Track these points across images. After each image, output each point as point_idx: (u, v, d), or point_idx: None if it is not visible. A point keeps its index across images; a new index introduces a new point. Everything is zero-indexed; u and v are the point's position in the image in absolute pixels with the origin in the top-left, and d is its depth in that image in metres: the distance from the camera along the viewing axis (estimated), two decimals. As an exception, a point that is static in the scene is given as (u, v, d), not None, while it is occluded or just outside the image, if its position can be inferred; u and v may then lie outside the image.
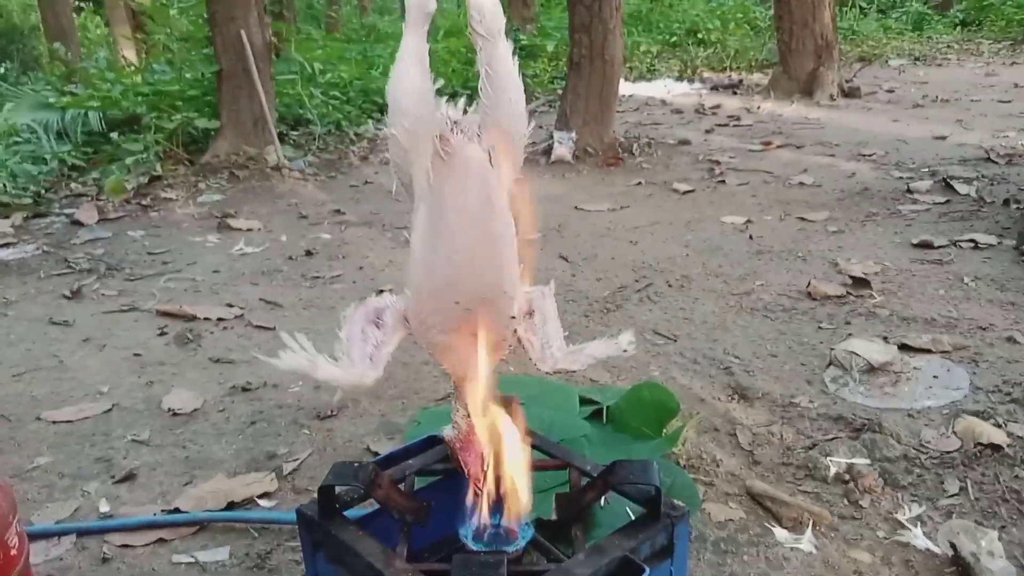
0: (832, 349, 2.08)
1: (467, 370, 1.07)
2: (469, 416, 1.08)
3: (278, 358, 1.08)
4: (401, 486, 1.13)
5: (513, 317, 1.09)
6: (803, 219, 3.39)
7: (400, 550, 1.00)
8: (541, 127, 5.68)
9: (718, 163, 4.51)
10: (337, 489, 1.08)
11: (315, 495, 1.06)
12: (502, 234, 1.04)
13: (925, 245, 2.92)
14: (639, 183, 4.17)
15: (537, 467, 1.16)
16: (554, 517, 1.09)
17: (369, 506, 1.20)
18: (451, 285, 1.03)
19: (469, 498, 1.07)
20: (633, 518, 1.17)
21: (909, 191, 3.70)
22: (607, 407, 1.80)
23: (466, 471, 1.07)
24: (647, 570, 0.94)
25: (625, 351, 1.15)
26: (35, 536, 1.50)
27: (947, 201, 3.52)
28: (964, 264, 2.73)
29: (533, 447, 1.18)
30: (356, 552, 0.99)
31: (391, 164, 1.08)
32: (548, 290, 1.19)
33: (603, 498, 1.31)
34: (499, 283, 1.05)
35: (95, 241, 3.52)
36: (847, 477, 1.58)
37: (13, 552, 1.14)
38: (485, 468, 1.05)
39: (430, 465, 1.19)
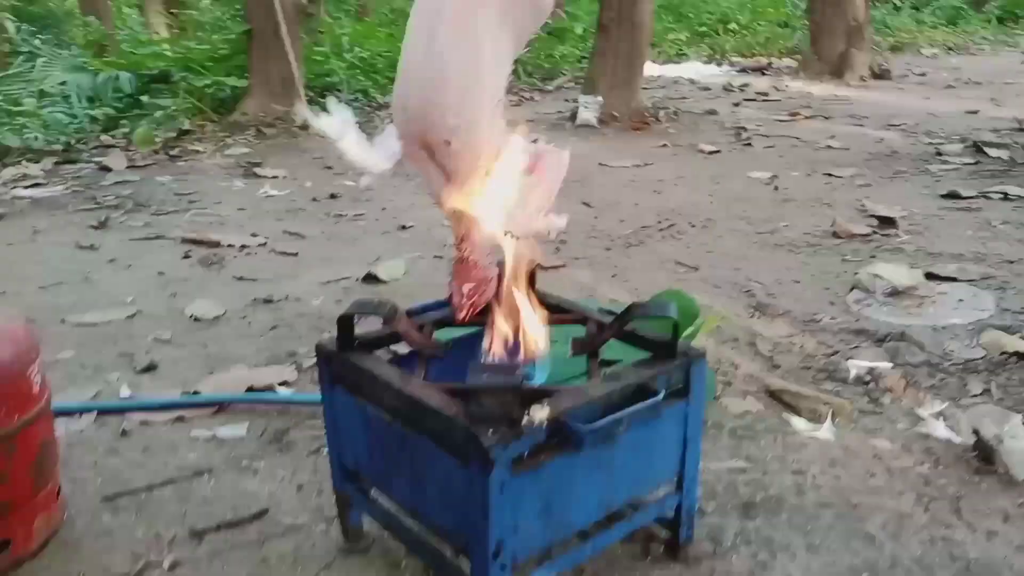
0: (856, 274, 2.06)
1: (437, 194, 1.08)
2: (459, 247, 1.08)
3: (319, 119, 1.09)
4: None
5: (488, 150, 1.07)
6: (830, 175, 3.35)
7: (418, 373, 1.00)
8: (567, 100, 5.68)
9: (745, 129, 4.47)
10: (357, 330, 1.08)
11: (320, 342, 1.08)
12: (457, 46, 1.00)
13: (953, 196, 2.88)
14: (664, 145, 4.15)
15: (554, 320, 1.15)
16: (570, 354, 1.09)
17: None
18: (399, 93, 1.03)
19: (486, 341, 1.07)
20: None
21: (939, 153, 3.66)
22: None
23: (458, 299, 1.08)
24: (661, 393, 0.93)
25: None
26: (57, 413, 1.52)
27: (977, 162, 3.47)
28: (993, 211, 2.69)
29: (548, 306, 1.17)
30: (375, 376, 0.99)
31: None
32: (561, 157, 1.18)
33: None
34: (441, 101, 1.01)
35: (123, 184, 3.55)
36: (868, 379, 1.56)
37: (36, 390, 1.15)
38: (489, 297, 1.06)
39: (447, 319, 1.19)
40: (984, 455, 1.29)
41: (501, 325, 1.05)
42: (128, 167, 3.87)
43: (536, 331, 1.05)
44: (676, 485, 1.07)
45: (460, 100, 1.01)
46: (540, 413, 0.87)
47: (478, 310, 1.10)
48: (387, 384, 0.97)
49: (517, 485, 0.87)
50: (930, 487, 1.25)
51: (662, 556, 1.11)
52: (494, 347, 1.04)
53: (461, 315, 1.07)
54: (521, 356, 1.05)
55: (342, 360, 1.05)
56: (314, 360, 1.72)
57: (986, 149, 3.61)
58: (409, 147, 1.07)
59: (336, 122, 1.06)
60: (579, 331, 1.20)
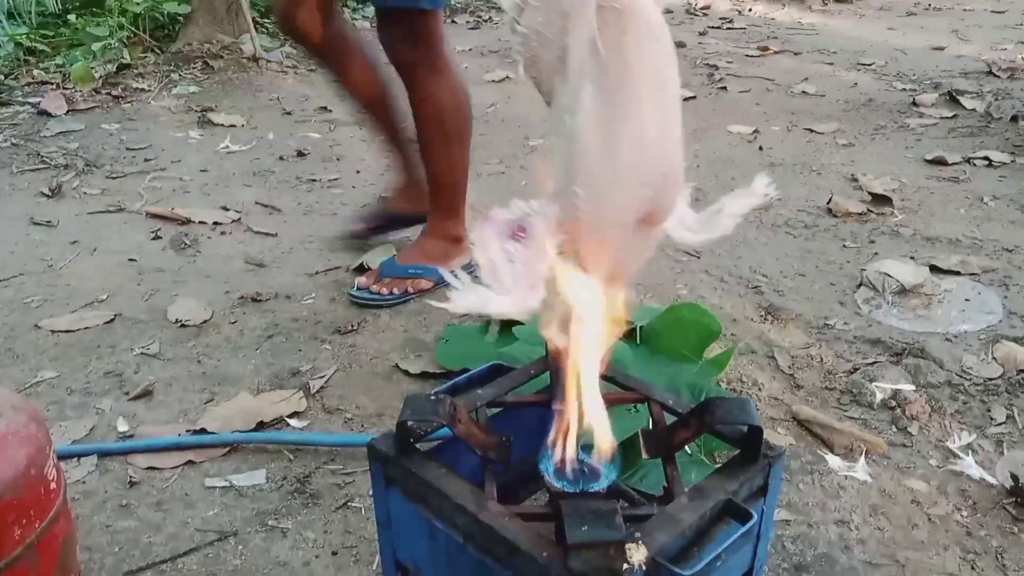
0: (863, 270, 2.04)
1: (618, 267, 0.94)
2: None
3: (450, 302, 0.90)
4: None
5: None
6: (811, 131, 3.31)
7: (489, 490, 0.94)
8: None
9: (716, 68, 4.37)
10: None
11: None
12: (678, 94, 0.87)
13: (939, 162, 2.87)
14: (638, 87, 4.02)
15: (612, 400, 1.10)
16: (645, 456, 1.04)
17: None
18: (637, 166, 0.85)
19: (552, 433, 1.01)
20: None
21: (915, 104, 3.63)
22: (640, 327, 1.75)
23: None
24: (755, 516, 0.89)
25: (767, 196, 1.02)
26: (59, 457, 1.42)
27: (954, 116, 3.46)
28: (980, 183, 2.69)
29: (605, 378, 1.11)
30: (442, 492, 0.92)
31: (522, 53, 0.90)
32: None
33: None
34: (681, 152, 0.88)
35: (67, 134, 3.30)
36: (893, 403, 1.56)
37: (53, 486, 1.05)
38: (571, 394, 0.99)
39: (499, 396, 1.12)
40: (1022, 502, 1.30)
41: (567, 417, 0.99)
42: (69, 111, 3.59)
43: (602, 421, 0.99)
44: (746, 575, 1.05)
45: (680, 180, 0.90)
46: (638, 556, 0.82)
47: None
48: (460, 507, 0.90)
49: (615, 630, 0.83)
50: (972, 539, 1.27)
51: (723, 635, 1.10)
52: (565, 450, 0.99)
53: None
54: (593, 455, 1.00)
55: (400, 467, 0.97)
56: (321, 383, 1.65)
57: (961, 100, 3.60)
58: (612, 225, 0.90)
59: (472, 298, 0.88)
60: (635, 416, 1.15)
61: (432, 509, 0.96)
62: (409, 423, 0.99)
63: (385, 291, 1.94)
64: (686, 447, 1.40)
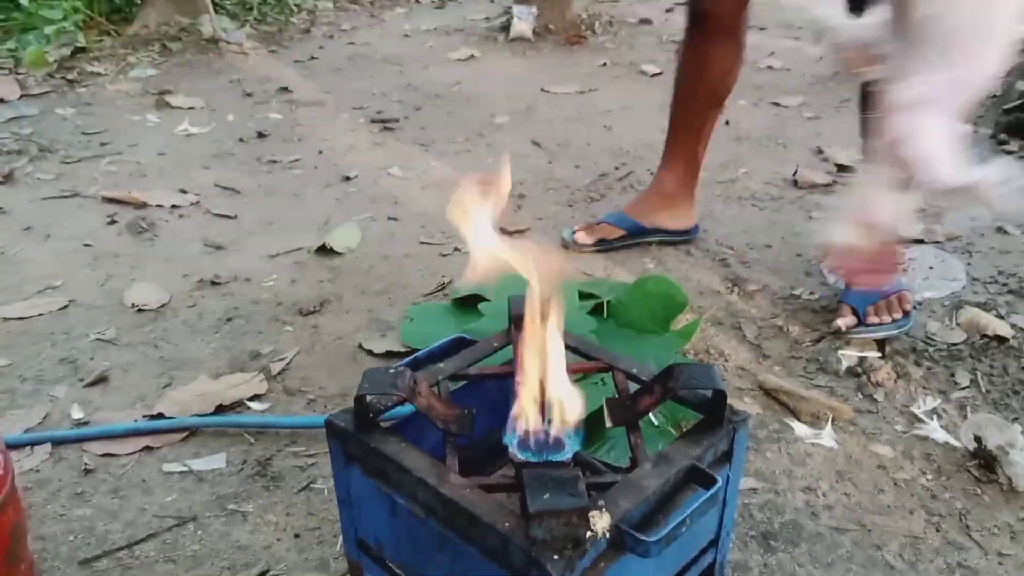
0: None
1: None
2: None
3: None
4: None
5: None
6: (777, 104, 3.31)
7: (451, 463, 0.92)
8: (492, 2, 5.40)
9: (683, 44, 4.34)
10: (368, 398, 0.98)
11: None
12: None
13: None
14: (604, 64, 4.00)
15: (576, 370, 1.08)
16: (609, 424, 1.02)
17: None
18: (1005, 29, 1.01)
19: (516, 404, 0.99)
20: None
21: (879, 77, 3.64)
22: (608, 301, 1.73)
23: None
24: (719, 481, 0.88)
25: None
26: (9, 446, 1.37)
27: (917, 88, 3.47)
28: (943, 152, 2.71)
29: (569, 348, 1.10)
30: (402, 467, 0.90)
31: None
32: None
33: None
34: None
35: (20, 119, 3.20)
36: (859, 371, 1.56)
37: (0, 472, 1.02)
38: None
39: (462, 369, 1.10)
40: (986, 464, 1.31)
41: (530, 388, 0.97)
42: (22, 96, 3.49)
43: (570, 393, 0.97)
44: (711, 543, 1.04)
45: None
46: (602, 523, 0.81)
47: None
48: (421, 480, 0.88)
49: (579, 598, 0.81)
50: (937, 502, 1.27)
51: (692, 604, 1.09)
52: (524, 417, 0.96)
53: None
54: (555, 425, 0.98)
55: (359, 442, 0.95)
56: (283, 366, 1.61)
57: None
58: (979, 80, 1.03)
59: None
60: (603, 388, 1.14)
61: (393, 485, 0.94)
62: (368, 397, 0.96)
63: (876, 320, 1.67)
64: (652, 418, 1.40)
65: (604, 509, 0.83)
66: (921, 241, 2.06)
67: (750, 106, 3.30)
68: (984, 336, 1.64)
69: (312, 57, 4.26)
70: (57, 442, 1.42)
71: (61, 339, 1.73)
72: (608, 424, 1.01)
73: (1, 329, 1.77)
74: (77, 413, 1.50)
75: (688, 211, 2.07)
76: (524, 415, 0.97)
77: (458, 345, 1.15)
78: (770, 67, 3.88)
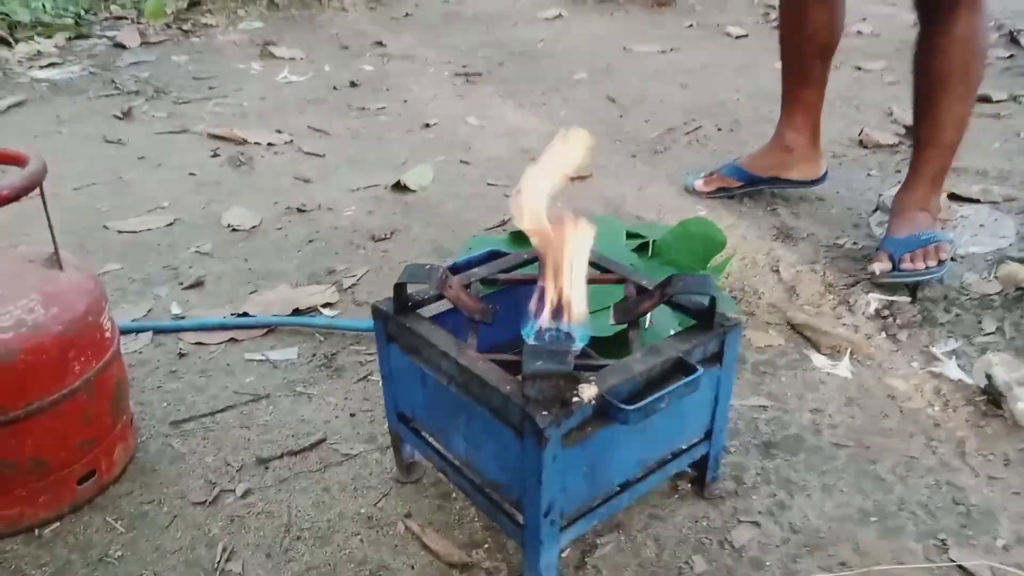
0: (881, 195, 2.09)
1: None
2: None
3: None
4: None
5: None
6: (859, 68, 3.29)
7: (471, 342, 1.07)
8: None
9: (773, 8, 4.32)
10: (409, 290, 1.14)
11: (376, 304, 1.13)
12: None
13: (983, 99, 2.84)
14: (690, 25, 4.03)
15: (593, 280, 1.21)
16: (611, 322, 1.15)
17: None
18: None
19: (533, 302, 1.13)
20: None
21: (972, 44, 3.55)
22: (653, 241, 1.84)
23: None
24: (700, 370, 1.00)
25: None
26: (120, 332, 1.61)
27: (1011, 56, 3.38)
28: (1021, 120, 2.67)
29: (592, 264, 1.23)
30: (430, 343, 1.06)
31: None
32: None
33: (648, 318, 1.38)
34: None
35: (140, 64, 3.51)
36: (887, 313, 1.63)
37: (108, 335, 1.23)
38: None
39: (493, 275, 1.25)
40: (993, 399, 1.38)
41: (550, 288, 1.11)
42: (142, 44, 3.81)
43: (580, 296, 1.11)
44: (705, 436, 1.17)
45: None
46: (588, 392, 0.95)
47: None
48: (443, 353, 1.04)
49: (566, 455, 0.96)
50: (939, 429, 1.35)
51: (689, 494, 1.22)
52: (542, 314, 1.11)
53: None
54: (567, 322, 1.12)
55: (397, 323, 1.11)
56: (353, 281, 1.80)
57: (1021, 40, 3.51)
58: None
59: None
60: (617, 291, 1.27)
61: (423, 359, 1.10)
62: (408, 286, 1.13)
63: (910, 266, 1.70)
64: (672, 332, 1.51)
65: (592, 382, 0.97)
66: (977, 200, 2.07)
67: (832, 69, 3.28)
68: (1019, 289, 1.68)
69: (407, 14, 4.45)
70: (158, 331, 1.65)
71: (166, 250, 1.98)
72: (611, 321, 1.15)
73: (116, 240, 2.03)
74: (176, 309, 1.73)
75: (812, 161, 2.12)
76: (540, 310, 1.12)
77: (492, 256, 1.30)
78: (859, 32, 3.83)
